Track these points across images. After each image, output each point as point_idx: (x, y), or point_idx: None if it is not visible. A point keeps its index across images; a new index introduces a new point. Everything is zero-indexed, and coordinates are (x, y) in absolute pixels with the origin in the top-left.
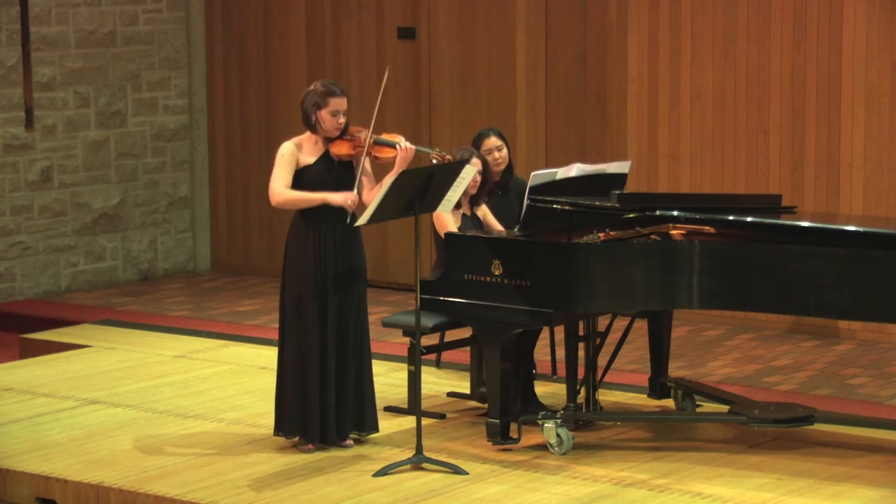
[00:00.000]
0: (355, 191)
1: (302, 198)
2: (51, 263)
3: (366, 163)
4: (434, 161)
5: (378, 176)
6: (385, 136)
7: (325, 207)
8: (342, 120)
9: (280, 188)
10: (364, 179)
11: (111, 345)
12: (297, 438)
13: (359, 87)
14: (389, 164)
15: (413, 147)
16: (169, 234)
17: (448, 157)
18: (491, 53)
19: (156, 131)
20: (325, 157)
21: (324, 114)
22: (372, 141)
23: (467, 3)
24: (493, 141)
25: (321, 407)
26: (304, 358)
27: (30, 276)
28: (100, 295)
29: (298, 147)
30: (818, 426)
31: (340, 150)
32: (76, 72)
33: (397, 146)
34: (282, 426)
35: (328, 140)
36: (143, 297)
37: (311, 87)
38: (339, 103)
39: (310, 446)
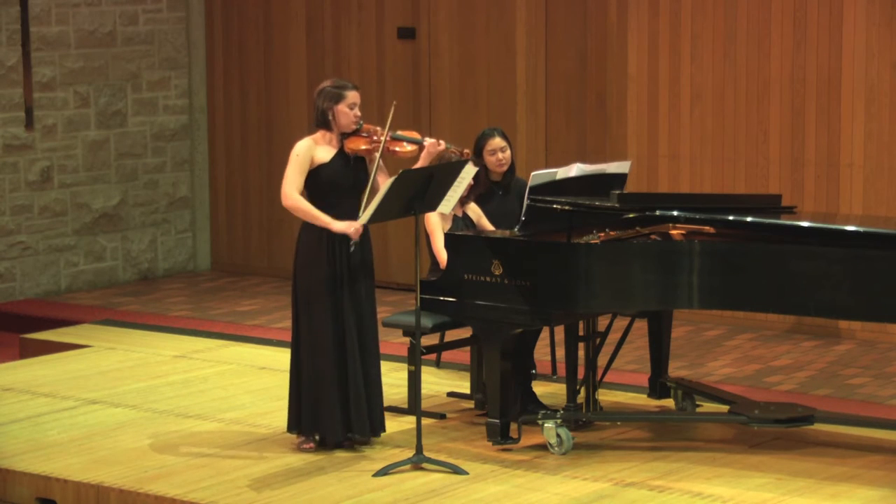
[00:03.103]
0: (368, 189)
1: (310, 214)
2: (51, 263)
3: (380, 161)
4: (453, 156)
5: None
6: (402, 133)
7: (340, 204)
8: (358, 113)
9: (292, 192)
10: (380, 177)
11: (111, 345)
12: (304, 437)
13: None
14: (406, 160)
15: (442, 143)
16: (169, 234)
17: (467, 151)
18: (491, 53)
19: (156, 131)
20: (341, 154)
21: (341, 107)
22: (389, 136)
23: (467, 3)
24: (498, 142)
25: (340, 403)
26: (319, 355)
27: (30, 276)
28: (100, 295)
29: (315, 143)
30: (818, 426)
31: (356, 145)
32: (76, 72)
33: (424, 141)
34: (298, 425)
35: (343, 136)
36: (143, 297)
37: (323, 86)
38: (354, 96)
39: (311, 445)
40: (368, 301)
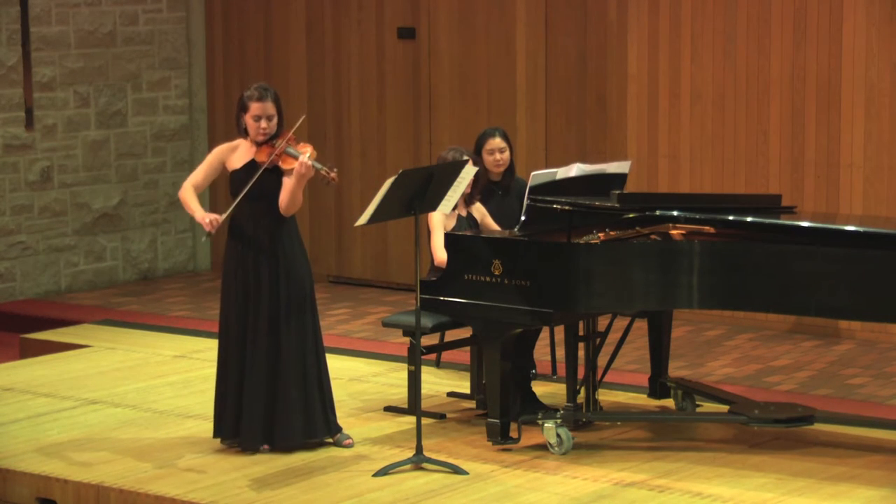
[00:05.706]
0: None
1: (185, 203)
2: (51, 263)
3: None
4: (323, 174)
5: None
6: (298, 148)
7: (243, 210)
8: (264, 125)
9: (185, 183)
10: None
11: (111, 345)
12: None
13: (359, 87)
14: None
15: (310, 164)
16: (169, 234)
17: (333, 174)
18: (491, 53)
19: (156, 131)
20: (252, 163)
21: (247, 118)
22: (282, 150)
23: (467, 3)
24: (497, 142)
25: (237, 413)
26: (225, 364)
27: (30, 276)
28: (100, 295)
29: (233, 150)
30: (818, 426)
31: (261, 157)
32: (76, 72)
33: (301, 158)
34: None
35: (257, 145)
36: (143, 297)
37: (245, 91)
38: (259, 108)
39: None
40: (298, 308)
